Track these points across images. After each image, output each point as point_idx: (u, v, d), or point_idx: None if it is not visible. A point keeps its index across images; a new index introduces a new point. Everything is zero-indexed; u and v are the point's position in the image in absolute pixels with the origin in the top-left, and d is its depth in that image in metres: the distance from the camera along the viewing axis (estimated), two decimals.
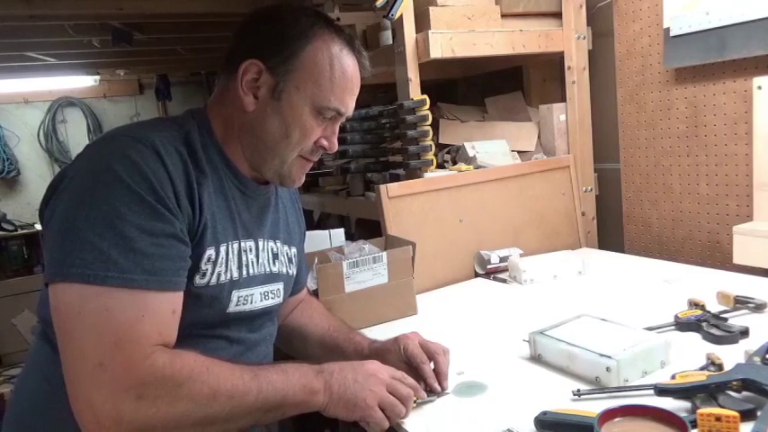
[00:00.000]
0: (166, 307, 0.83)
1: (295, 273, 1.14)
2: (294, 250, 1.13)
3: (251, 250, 0.99)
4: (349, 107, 0.99)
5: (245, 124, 0.96)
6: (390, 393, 0.90)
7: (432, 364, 1.02)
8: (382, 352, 1.05)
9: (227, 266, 0.93)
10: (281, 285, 1.07)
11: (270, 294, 1.03)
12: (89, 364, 0.76)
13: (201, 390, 0.79)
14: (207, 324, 0.93)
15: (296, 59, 0.92)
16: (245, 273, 0.96)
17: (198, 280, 0.89)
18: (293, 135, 0.95)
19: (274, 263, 1.04)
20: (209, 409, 0.80)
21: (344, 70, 0.95)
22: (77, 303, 0.77)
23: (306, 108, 0.94)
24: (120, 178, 0.80)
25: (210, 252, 0.90)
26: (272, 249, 1.04)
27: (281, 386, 0.85)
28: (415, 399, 0.94)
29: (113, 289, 0.77)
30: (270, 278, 1.03)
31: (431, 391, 0.99)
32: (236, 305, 0.96)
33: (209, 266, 0.90)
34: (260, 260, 1.01)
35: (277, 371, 0.87)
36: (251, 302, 0.98)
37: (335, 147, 1.01)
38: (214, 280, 0.91)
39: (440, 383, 1.00)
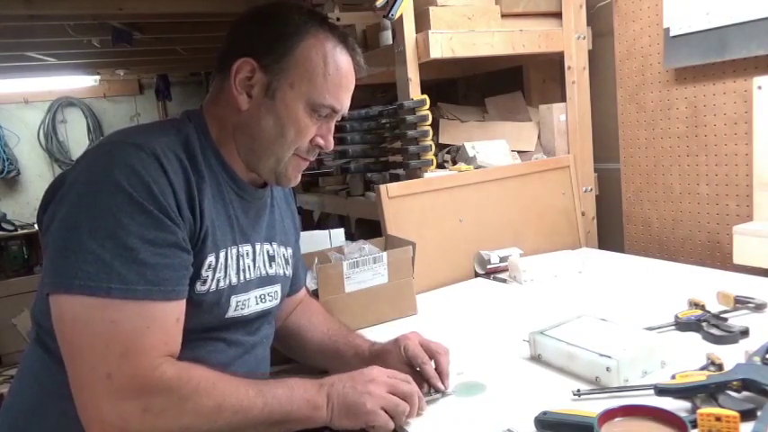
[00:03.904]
0: (171, 316, 0.83)
1: (291, 273, 1.13)
2: (290, 251, 1.13)
3: (248, 254, 0.98)
4: (344, 104, 0.98)
5: (240, 124, 0.95)
6: (392, 394, 0.89)
7: (433, 364, 1.02)
8: (383, 354, 1.05)
9: (225, 272, 0.93)
10: (278, 287, 1.06)
11: (267, 297, 1.03)
12: (97, 375, 0.76)
13: (207, 404, 0.80)
14: (205, 329, 0.93)
15: (289, 57, 0.92)
16: (242, 278, 0.96)
17: (199, 287, 0.89)
18: (288, 134, 0.94)
19: (271, 265, 1.04)
20: (214, 423, 0.80)
21: (339, 67, 0.95)
22: (82, 315, 0.77)
23: (300, 106, 0.93)
24: (123, 188, 0.79)
25: (211, 259, 0.90)
26: (267, 252, 1.04)
27: (285, 401, 0.85)
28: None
29: (118, 301, 0.77)
30: (266, 281, 1.03)
31: (435, 391, 0.99)
32: (235, 310, 0.96)
33: (210, 273, 0.90)
34: (257, 264, 1.00)
35: (282, 386, 0.87)
36: (247, 307, 0.98)
37: (331, 145, 1.00)
38: (214, 286, 0.91)
39: (442, 382, 1.00)
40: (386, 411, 0.88)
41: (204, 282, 0.90)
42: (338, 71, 0.95)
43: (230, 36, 0.97)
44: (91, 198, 0.80)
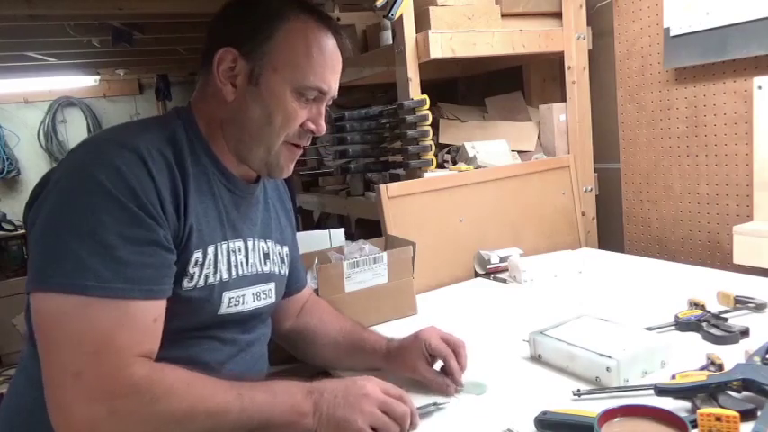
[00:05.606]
0: (148, 315, 0.81)
1: (287, 272, 1.12)
2: (286, 249, 1.12)
3: (240, 250, 0.97)
4: (331, 86, 0.96)
5: (228, 115, 0.94)
6: (385, 413, 0.86)
7: None
8: (401, 349, 1.05)
9: (215, 268, 0.92)
10: (272, 286, 1.05)
11: (262, 295, 1.02)
12: (67, 373, 0.75)
13: (180, 406, 0.78)
14: (198, 327, 0.92)
15: (270, 42, 0.91)
16: (234, 273, 0.95)
17: (186, 284, 0.88)
18: (276, 120, 0.92)
19: (266, 263, 1.03)
20: (186, 427, 0.78)
21: (322, 48, 0.93)
22: (57, 313, 0.76)
23: (286, 90, 0.92)
24: (104, 186, 0.79)
25: (198, 255, 0.89)
26: (262, 249, 1.03)
27: (266, 407, 0.82)
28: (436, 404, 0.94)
29: (93, 299, 0.76)
30: (261, 278, 1.02)
31: (444, 396, 0.99)
32: (228, 306, 0.94)
33: (197, 269, 0.89)
34: (250, 260, 0.99)
35: (264, 390, 0.84)
36: (243, 303, 0.97)
37: (323, 129, 0.98)
38: (202, 282, 0.90)
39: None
40: (375, 430, 0.85)
41: (191, 278, 0.88)
42: (321, 51, 0.93)
43: (211, 29, 0.96)
44: (72, 196, 0.79)
